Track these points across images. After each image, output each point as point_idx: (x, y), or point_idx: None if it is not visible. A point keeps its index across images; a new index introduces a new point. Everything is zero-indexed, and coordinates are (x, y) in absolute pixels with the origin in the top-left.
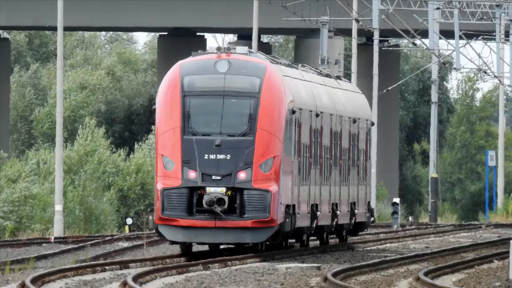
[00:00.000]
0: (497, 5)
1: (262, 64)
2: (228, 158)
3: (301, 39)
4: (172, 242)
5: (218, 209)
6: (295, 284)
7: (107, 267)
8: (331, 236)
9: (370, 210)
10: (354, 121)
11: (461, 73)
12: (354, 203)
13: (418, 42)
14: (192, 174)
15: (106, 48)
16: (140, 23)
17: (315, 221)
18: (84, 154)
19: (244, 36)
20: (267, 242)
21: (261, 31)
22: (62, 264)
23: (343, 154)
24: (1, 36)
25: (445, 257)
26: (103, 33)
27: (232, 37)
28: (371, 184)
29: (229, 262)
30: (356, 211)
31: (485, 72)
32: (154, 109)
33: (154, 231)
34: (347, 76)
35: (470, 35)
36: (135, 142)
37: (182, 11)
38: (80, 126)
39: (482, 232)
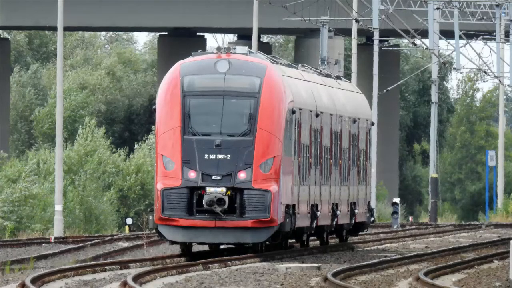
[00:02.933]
0: (497, 5)
1: (262, 64)
2: (228, 158)
3: (301, 39)
4: (172, 242)
5: (218, 209)
6: (295, 284)
7: (107, 267)
8: (331, 236)
9: (370, 210)
10: (354, 121)
11: (461, 73)
12: (354, 203)
13: (418, 42)
14: (192, 174)
15: (106, 48)
16: (140, 23)
17: (315, 221)
18: (84, 154)
19: (244, 36)
20: (267, 242)
21: (261, 31)
22: (62, 264)
23: (343, 154)
24: (1, 36)
25: (445, 257)
26: (103, 33)
27: (232, 37)
28: (371, 184)
29: (229, 262)
30: (356, 211)
31: (485, 72)
32: (154, 109)
33: (154, 231)
34: (347, 76)
35: (470, 35)
36: (135, 142)
37: (182, 11)
38: (80, 126)
39: (482, 232)
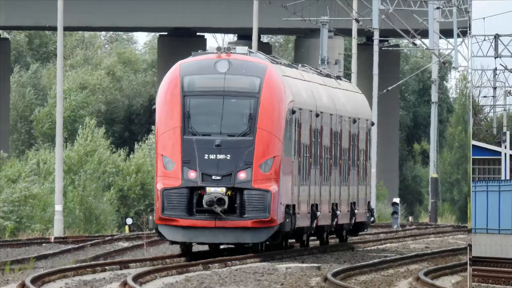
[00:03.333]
0: None
1: (262, 64)
2: (228, 158)
3: (301, 39)
4: (172, 242)
5: (218, 209)
6: (295, 284)
7: (107, 267)
8: (331, 236)
9: (370, 210)
10: (354, 121)
11: (458, 71)
12: (354, 203)
13: (418, 42)
14: (192, 174)
15: (106, 48)
16: (140, 23)
17: (315, 221)
18: (84, 154)
19: (244, 36)
20: (267, 242)
21: (261, 31)
22: (62, 264)
23: (343, 154)
24: (1, 36)
25: (445, 257)
26: (103, 33)
27: (232, 37)
28: (371, 184)
29: (229, 262)
30: (356, 211)
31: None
32: (154, 109)
33: (154, 231)
34: (347, 76)
35: None
36: (135, 142)
37: (182, 11)
38: (80, 126)
39: None
